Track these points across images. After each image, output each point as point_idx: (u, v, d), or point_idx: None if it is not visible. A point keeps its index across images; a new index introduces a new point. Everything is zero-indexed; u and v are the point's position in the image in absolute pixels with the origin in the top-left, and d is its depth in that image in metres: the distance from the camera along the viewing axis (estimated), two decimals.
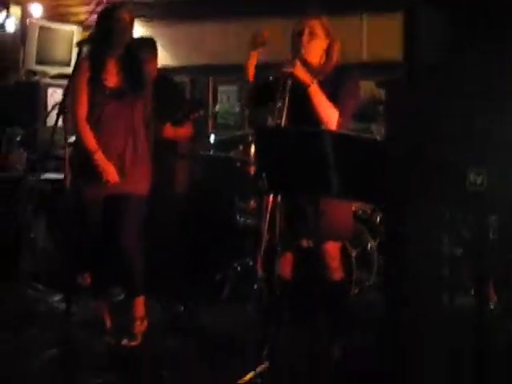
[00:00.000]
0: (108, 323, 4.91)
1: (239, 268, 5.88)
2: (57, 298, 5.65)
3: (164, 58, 7.85)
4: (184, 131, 5.72)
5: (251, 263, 5.77)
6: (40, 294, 5.75)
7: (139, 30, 7.80)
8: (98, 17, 4.75)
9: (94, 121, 4.61)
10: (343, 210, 4.32)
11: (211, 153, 6.81)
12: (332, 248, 4.36)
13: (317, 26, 4.29)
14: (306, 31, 4.26)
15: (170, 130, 5.58)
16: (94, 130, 4.59)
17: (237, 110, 7.39)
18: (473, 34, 2.56)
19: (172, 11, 7.54)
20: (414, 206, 2.99)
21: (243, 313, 4.93)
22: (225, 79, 7.61)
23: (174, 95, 5.62)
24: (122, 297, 5.40)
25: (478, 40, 2.59)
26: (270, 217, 3.86)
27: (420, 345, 3.35)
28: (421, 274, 3.26)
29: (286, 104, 3.93)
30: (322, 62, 4.32)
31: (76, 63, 4.55)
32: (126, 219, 4.67)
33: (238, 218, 6.16)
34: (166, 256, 5.73)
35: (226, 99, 7.64)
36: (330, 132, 3.16)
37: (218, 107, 7.59)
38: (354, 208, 5.50)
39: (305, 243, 4.33)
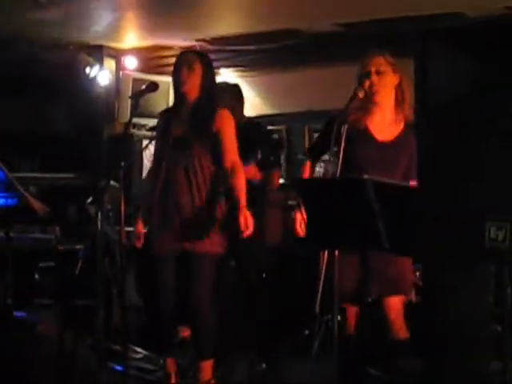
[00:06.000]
0: (172, 381, 4.68)
1: (330, 322, 5.61)
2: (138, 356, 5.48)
3: (259, 105, 7.77)
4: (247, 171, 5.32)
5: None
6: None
7: (234, 78, 7.75)
8: None
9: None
10: (405, 262, 3.95)
11: None
12: (394, 303, 4.01)
13: (382, 62, 4.00)
14: (373, 70, 3.98)
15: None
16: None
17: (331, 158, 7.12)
18: (494, 72, 2.26)
19: (267, 59, 7.42)
20: (453, 261, 2.67)
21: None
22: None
23: (258, 140, 5.35)
24: None
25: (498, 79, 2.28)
26: (326, 272, 3.62)
27: None
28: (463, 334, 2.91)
29: (342, 151, 3.72)
30: (396, 103, 4.02)
31: None
32: (196, 280, 4.49)
33: None
34: (252, 310, 5.54)
35: None
36: (374, 181, 2.87)
37: None
38: None
39: (368, 297, 4.05)
